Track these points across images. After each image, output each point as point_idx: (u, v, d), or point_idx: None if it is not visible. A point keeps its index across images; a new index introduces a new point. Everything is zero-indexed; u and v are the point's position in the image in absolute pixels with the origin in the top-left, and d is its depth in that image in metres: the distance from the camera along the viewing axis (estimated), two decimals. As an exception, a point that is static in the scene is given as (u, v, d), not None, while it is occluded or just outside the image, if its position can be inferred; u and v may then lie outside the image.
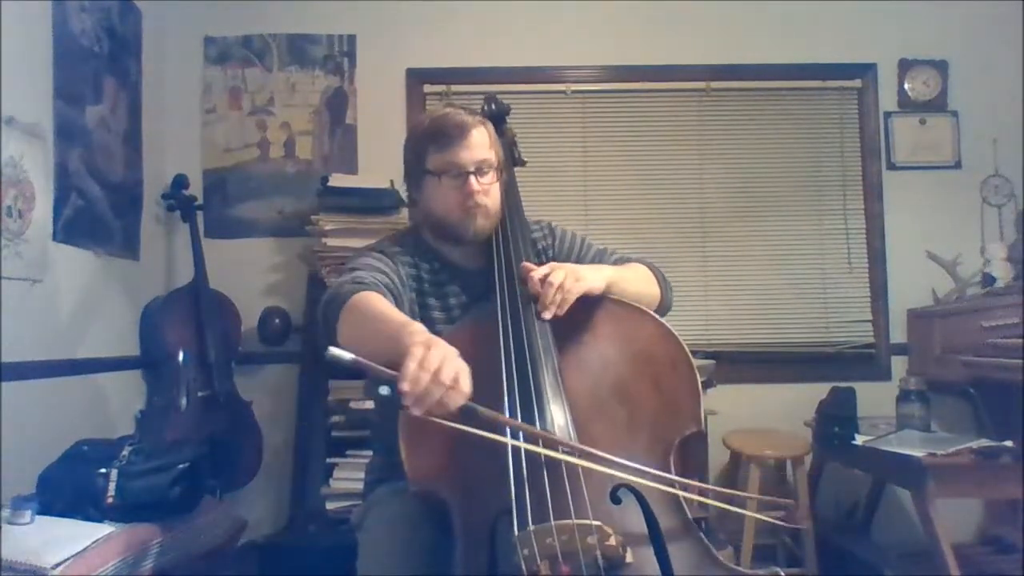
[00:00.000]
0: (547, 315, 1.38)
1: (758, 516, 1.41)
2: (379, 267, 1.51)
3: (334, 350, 1.10)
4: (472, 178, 1.51)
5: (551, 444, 1.22)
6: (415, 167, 1.58)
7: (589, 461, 1.19)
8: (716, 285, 3.30)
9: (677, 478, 1.25)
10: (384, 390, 1.10)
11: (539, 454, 1.20)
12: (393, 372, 1.09)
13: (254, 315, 3.07)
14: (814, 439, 2.85)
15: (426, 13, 3.32)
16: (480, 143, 1.53)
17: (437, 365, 1.09)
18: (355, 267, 1.49)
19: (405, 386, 1.07)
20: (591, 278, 1.42)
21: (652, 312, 1.47)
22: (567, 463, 1.20)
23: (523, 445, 1.20)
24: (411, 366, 1.08)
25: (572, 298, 1.38)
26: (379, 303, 1.33)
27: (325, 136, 3.30)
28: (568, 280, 1.39)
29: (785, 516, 1.33)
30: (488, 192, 1.54)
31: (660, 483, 1.22)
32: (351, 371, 1.15)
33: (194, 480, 2.09)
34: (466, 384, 1.11)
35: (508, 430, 1.21)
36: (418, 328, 1.20)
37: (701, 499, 1.32)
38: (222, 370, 2.90)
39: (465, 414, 1.13)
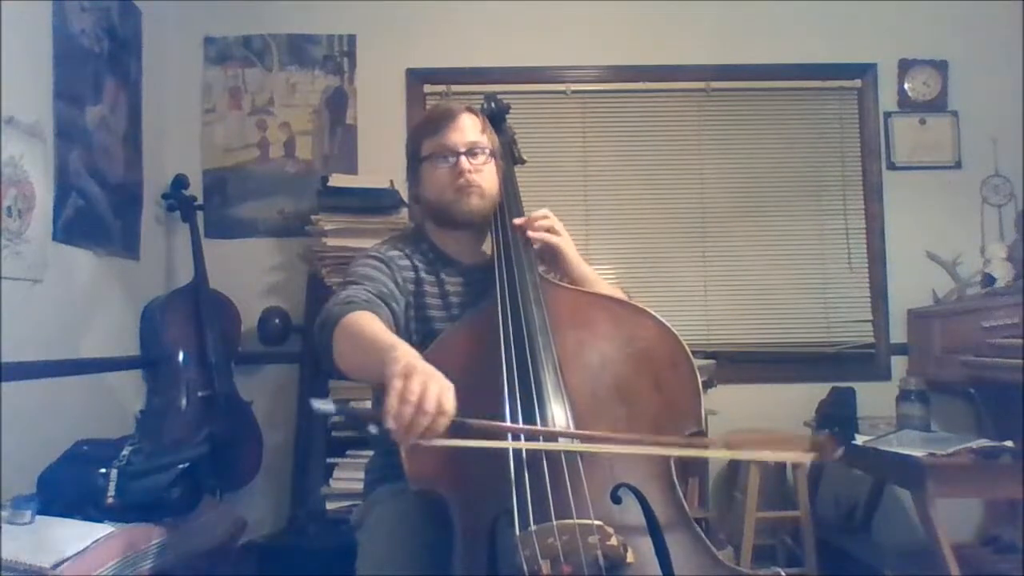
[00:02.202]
0: (518, 220, 1.58)
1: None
2: (374, 275, 1.50)
3: (315, 403, 1.10)
4: (463, 158, 1.55)
5: (551, 437, 1.22)
6: (413, 161, 1.62)
7: (591, 445, 1.20)
8: (716, 285, 3.30)
9: (676, 455, 1.25)
10: (373, 429, 1.10)
11: (540, 450, 1.20)
12: (374, 413, 1.10)
13: (254, 315, 3.07)
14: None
15: (426, 13, 3.32)
16: (469, 126, 1.58)
17: (418, 394, 1.07)
18: (350, 279, 1.50)
19: (391, 423, 1.07)
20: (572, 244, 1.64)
21: (652, 312, 1.47)
22: (568, 462, 1.20)
23: (524, 446, 1.20)
24: (392, 402, 1.07)
25: (553, 225, 1.60)
26: (368, 324, 1.32)
27: (325, 136, 3.30)
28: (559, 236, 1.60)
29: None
30: (480, 171, 1.56)
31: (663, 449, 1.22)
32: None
33: (194, 480, 2.09)
34: (450, 405, 1.10)
35: (508, 434, 1.21)
36: (399, 353, 1.17)
37: (706, 453, 1.31)
38: (222, 370, 2.90)
39: (457, 432, 1.13)
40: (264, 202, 3.26)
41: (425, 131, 1.60)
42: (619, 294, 1.62)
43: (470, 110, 1.62)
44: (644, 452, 1.23)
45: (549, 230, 1.60)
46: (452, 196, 1.55)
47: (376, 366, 1.16)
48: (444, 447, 1.13)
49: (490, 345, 1.36)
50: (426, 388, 1.08)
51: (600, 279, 1.65)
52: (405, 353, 1.17)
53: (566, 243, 1.62)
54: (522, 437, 1.21)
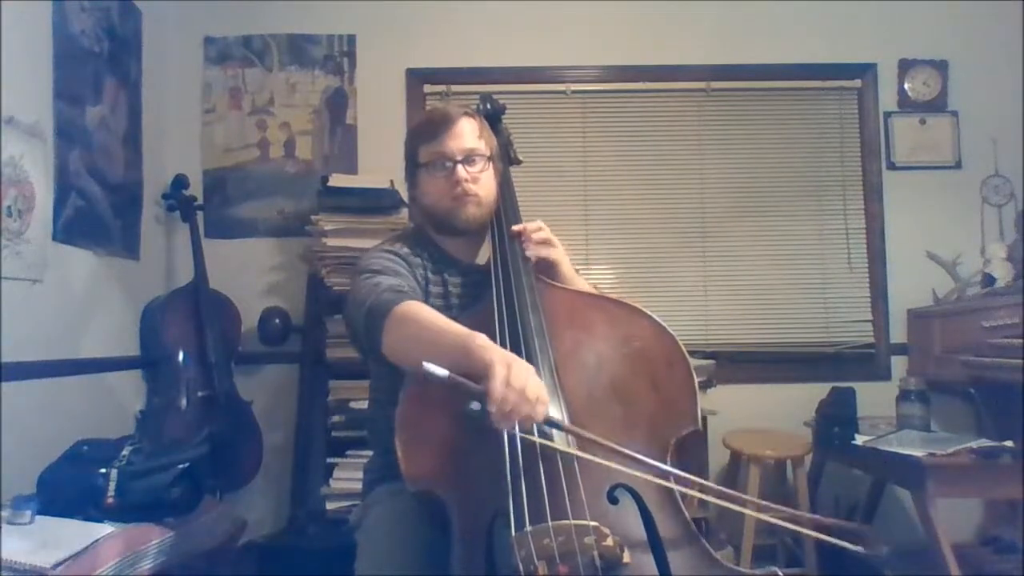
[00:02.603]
0: (516, 227, 1.56)
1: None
2: (400, 271, 1.51)
3: (429, 366, 1.14)
4: (460, 167, 1.53)
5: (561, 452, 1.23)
6: (411, 165, 1.61)
7: (591, 452, 1.20)
8: (716, 285, 3.30)
9: (678, 472, 1.25)
10: (475, 406, 1.15)
11: (538, 451, 1.20)
12: (480, 390, 1.14)
13: (254, 315, 3.07)
14: (814, 439, 2.85)
15: (426, 13, 3.32)
16: (467, 133, 1.56)
17: (523, 383, 1.14)
18: (375, 270, 1.49)
19: (494, 406, 1.12)
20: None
21: (648, 312, 1.47)
22: (564, 463, 1.20)
23: (534, 438, 1.21)
24: (498, 386, 1.12)
25: (547, 237, 1.57)
26: (429, 313, 1.34)
27: (325, 136, 3.30)
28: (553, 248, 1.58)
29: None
30: (478, 180, 1.55)
31: (661, 477, 1.22)
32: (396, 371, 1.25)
33: (194, 480, 2.09)
34: (547, 397, 1.18)
35: (505, 434, 1.21)
36: (486, 340, 1.22)
37: (702, 495, 1.31)
38: (222, 370, 2.90)
39: (549, 427, 1.20)
40: (264, 202, 3.26)
41: (422, 136, 1.58)
42: None
43: (468, 114, 1.60)
44: (644, 465, 1.23)
45: (544, 242, 1.58)
46: (449, 204, 1.55)
47: (453, 353, 1.20)
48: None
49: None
50: (529, 377, 1.16)
51: (593, 290, 1.64)
52: (491, 342, 1.23)
53: (562, 256, 1.60)
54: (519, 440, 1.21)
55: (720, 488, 1.28)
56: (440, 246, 1.63)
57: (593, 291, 1.61)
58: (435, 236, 1.64)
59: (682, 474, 1.25)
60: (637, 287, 3.22)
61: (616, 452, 1.20)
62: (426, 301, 1.54)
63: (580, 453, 1.21)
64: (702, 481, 1.29)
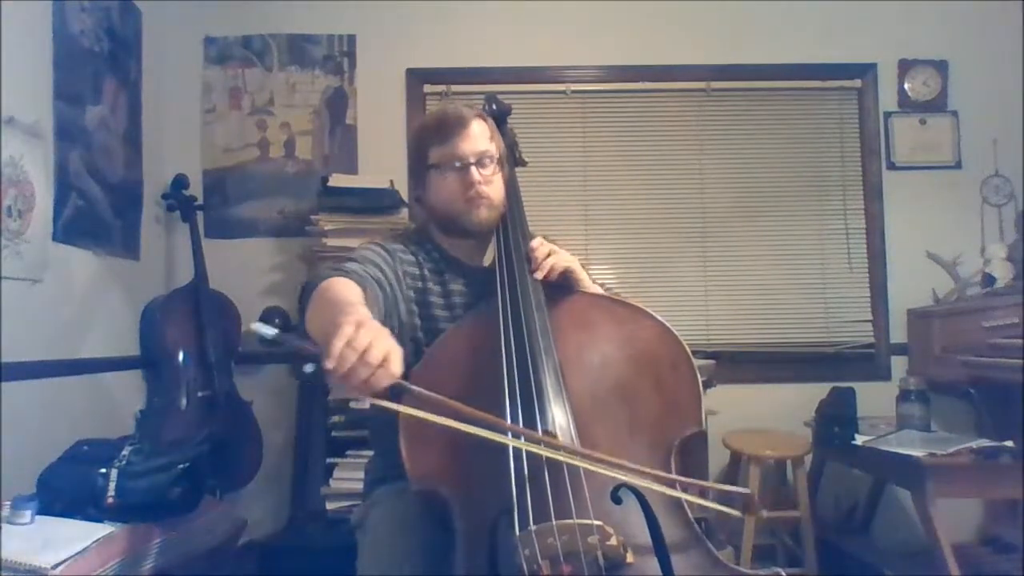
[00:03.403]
0: (537, 274, 1.48)
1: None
2: (373, 260, 1.51)
3: (255, 325, 1.09)
4: (473, 169, 1.52)
5: (537, 440, 1.21)
6: (419, 164, 1.59)
7: (586, 461, 1.19)
8: (716, 285, 3.30)
9: (679, 478, 1.25)
10: (308, 367, 1.10)
11: (537, 452, 1.20)
12: (315, 350, 1.07)
13: (254, 315, 3.06)
14: (814, 439, 2.85)
15: (426, 13, 3.32)
16: (480, 134, 1.55)
17: (365, 344, 1.05)
18: (351, 257, 1.50)
19: (330, 364, 1.04)
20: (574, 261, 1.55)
21: (653, 312, 1.47)
22: (568, 462, 1.20)
23: (524, 445, 1.20)
24: (337, 344, 1.05)
25: (559, 261, 1.50)
26: (344, 289, 1.31)
27: (325, 136, 3.30)
28: (561, 259, 1.51)
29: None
30: (490, 182, 1.55)
31: (661, 484, 1.22)
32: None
33: (194, 480, 2.08)
34: (396, 365, 1.08)
35: (509, 432, 1.21)
36: (359, 310, 1.17)
37: (702, 501, 1.31)
38: (222, 370, 2.90)
39: (395, 393, 1.11)
40: (264, 202, 3.26)
41: (434, 137, 1.55)
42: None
43: (480, 116, 1.58)
44: (645, 476, 1.22)
45: (550, 255, 1.52)
46: (462, 207, 1.54)
47: (330, 326, 1.10)
48: (443, 426, 1.12)
49: (491, 346, 1.36)
50: (375, 340, 1.07)
51: (601, 291, 1.61)
52: (365, 313, 1.16)
53: (573, 261, 1.54)
54: (520, 438, 1.21)
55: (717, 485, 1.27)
56: (442, 247, 1.62)
57: (600, 291, 1.59)
58: (438, 237, 1.63)
59: (684, 479, 1.24)
60: (637, 287, 3.22)
61: (608, 463, 1.18)
62: (425, 302, 1.55)
63: (577, 462, 1.19)
64: (700, 483, 1.28)
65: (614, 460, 1.19)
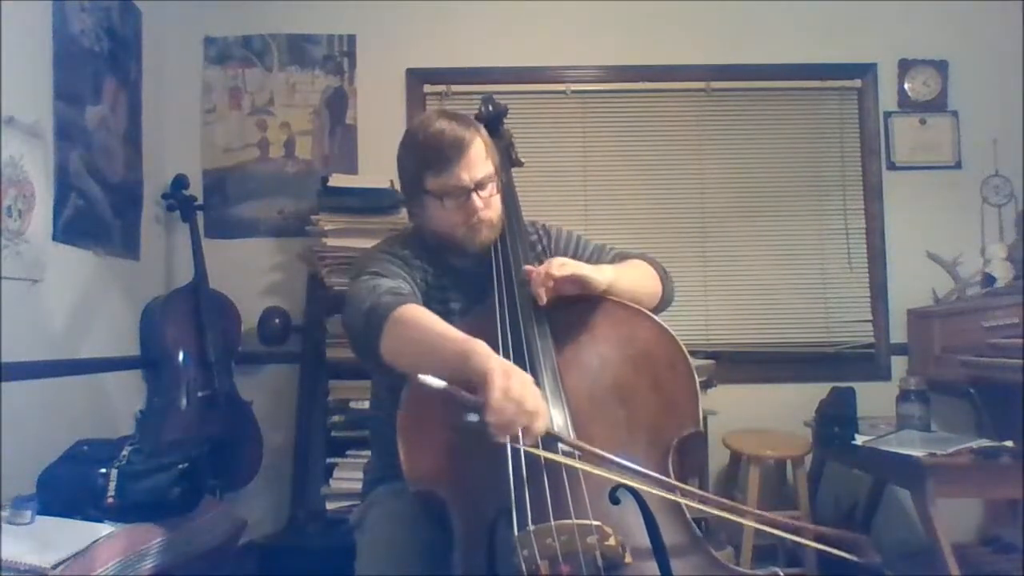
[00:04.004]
0: (539, 301, 1.39)
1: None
2: (399, 272, 1.50)
3: (424, 378, 1.14)
4: (475, 196, 1.48)
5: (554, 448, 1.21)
6: (413, 187, 1.53)
7: (591, 463, 1.19)
8: (716, 285, 3.30)
9: (680, 484, 1.25)
10: (473, 418, 1.13)
11: (539, 456, 1.20)
12: (477, 401, 1.12)
13: (254, 315, 3.07)
14: (814, 439, 2.84)
15: (426, 13, 3.32)
16: (478, 157, 1.48)
17: (521, 394, 1.12)
18: (374, 271, 1.47)
19: (491, 417, 1.10)
20: (580, 265, 1.42)
21: (650, 313, 1.47)
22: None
23: (533, 450, 1.20)
24: (496, 396, 1.10)
25: (559, 276, 1.37)
26: (429, 317, 1.32)
27: (325, 136, 3.30)
28: (553, 266, 1.39)
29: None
30: (490, 205, 1.51)
31: (661, 488, 1.22)
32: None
33: (194, 480, 2.09)
34: (546, 411, 1.16)
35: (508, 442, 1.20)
36: (486, 348, 1.20)
37: (702, 507, 1.31)
38: (222, 370, 2.90)
39: (548, 442, 1.17)
40: (264, 202, 3.26)
41: (430, 164, 1.47)
42: (636, 263, 1.60)
43: (475, 130, 1.50)
44: (646, 479, 1.22)
45: (547, 275, 1.39)
46: (463, 233, 1.51)
47: (453, 359, 1.19)
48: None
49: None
50: (526, 388, 1.13)
51: (611, 267, 1.51)
52: (490, 350, 1.20)
53: (576, 267, 1.41)
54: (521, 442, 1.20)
55: (722, 500, 1.28)
56: (440, 254, 1.60)
57: (621, 273, 1.55)
58: (436, 246, 1.60)
59: (686, 487, 1.24)
60: (637, 287, 3.22)
61: (618, 464, 1.19)
62: (425, 304, 1.54)
63: (579, 464, 1.19)
64: (704, 493, 1.29)
65: (628, 464, 1.20)
